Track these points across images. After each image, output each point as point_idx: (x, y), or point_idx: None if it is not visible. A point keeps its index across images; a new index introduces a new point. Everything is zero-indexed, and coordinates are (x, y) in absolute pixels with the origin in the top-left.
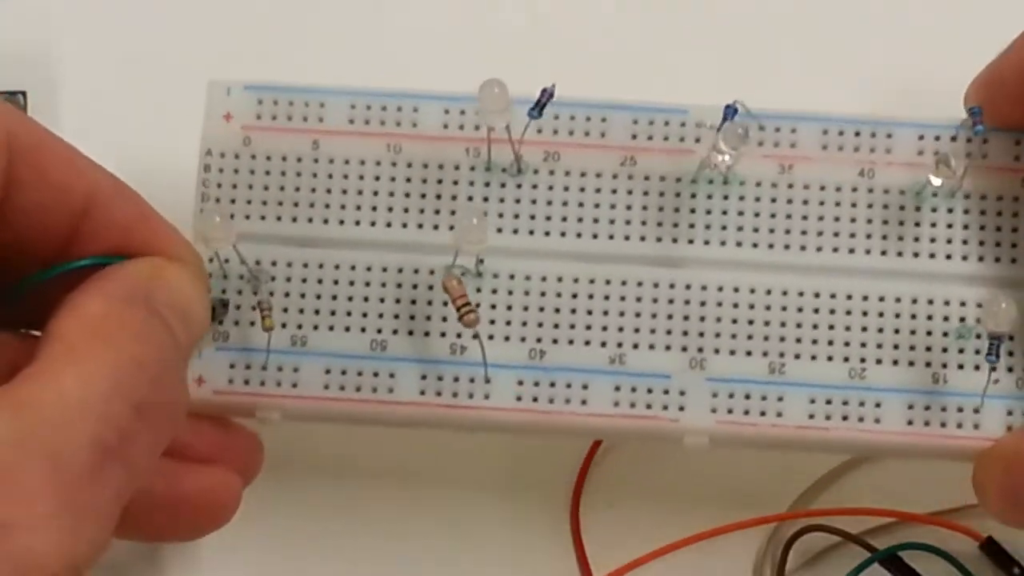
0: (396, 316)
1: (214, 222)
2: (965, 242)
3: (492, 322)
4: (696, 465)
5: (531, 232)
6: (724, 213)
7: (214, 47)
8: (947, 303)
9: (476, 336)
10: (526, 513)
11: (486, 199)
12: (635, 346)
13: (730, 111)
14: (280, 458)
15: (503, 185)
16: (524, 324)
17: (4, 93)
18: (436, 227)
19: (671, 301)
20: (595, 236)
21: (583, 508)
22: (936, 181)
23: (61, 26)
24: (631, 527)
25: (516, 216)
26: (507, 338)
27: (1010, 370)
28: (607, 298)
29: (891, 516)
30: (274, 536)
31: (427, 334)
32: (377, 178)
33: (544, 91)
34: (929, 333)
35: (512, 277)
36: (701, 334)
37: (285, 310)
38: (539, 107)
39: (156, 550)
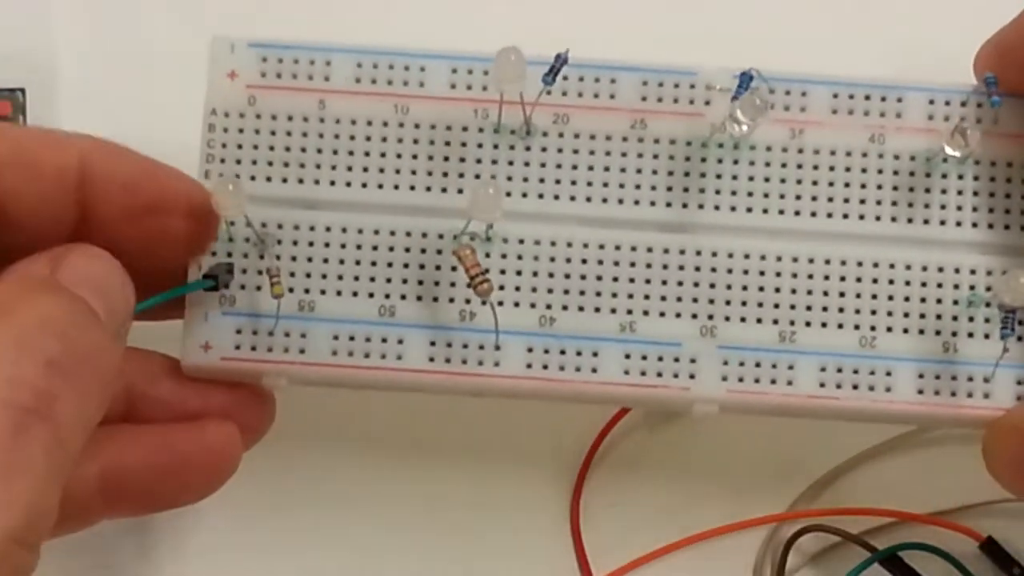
0: (405, 281)
1: (227, 190)
2: (975, 209)
3: (501, 288)
4: (696, 465)
5: (540, 196)
6: (735, 178)
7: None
8: (957, 271)
9: (488, 303)
10: (526, 513)
11: (495, 162)
12: (645, 313)
13: (745, 79)
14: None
15: (512, 147)
16: (534, 290)
17: (3, 91)
18: (444, 190)
19: (681, 267)
20: (605, 200)
21: (583, 508)
22: (951, 151)
23: (59, 22)
24: (631, 527)
25: (525, 179)
26: (516, 304)
27: (1020, 339)
28: (617, 264)
29: (891, 516)
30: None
31: (436, 300)
32: (384, 139)
33: (558, 56)
34: (939, 301)
35: (521, 242)
36: (711, 301)
37: (292, 274)
38: (553, 73)
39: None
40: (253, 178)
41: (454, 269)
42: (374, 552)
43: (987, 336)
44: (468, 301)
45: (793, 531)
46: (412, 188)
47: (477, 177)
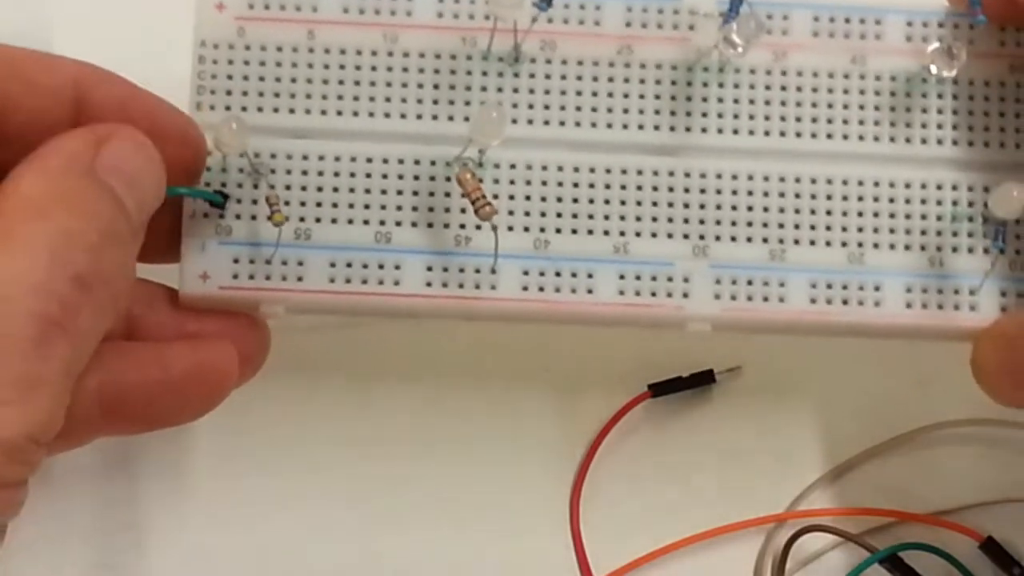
0: (399, 208)
1: (231, 129)
2: (956, 127)
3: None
4: (696, 465)
5: (530, 121)
6: (721, 101)
7: None
8: (940, 187)
9: (491, 225)
10: (526, 513)
11: (484, 88)
12: (638, 234)
13: (736, 2)
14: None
15: (500, 75)
16: (527, 214)
17: None
18: (435, 117)
19: (671, 189)
20: (594, 125)
21: (583, 508)
22: (937, 69)
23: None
24: (631, 527)
25: (515, 106)
26: (511, 228)
27: (1002, 252)
28: (608, 187)
29: (891, 516)
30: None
31: (431, 225)
32: (374, 68)
33: None
34: (924, 217)
35: (513, 167)
36: (702, 221)
37: (287, 203)
38: (547, 0)
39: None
40: (244, 109)
41: (447, 195)
42: (374, 552)
43: (971, 250)
44: (463, 226)
45: (793, 531)
46: (403, 116)
47: (467, 104)
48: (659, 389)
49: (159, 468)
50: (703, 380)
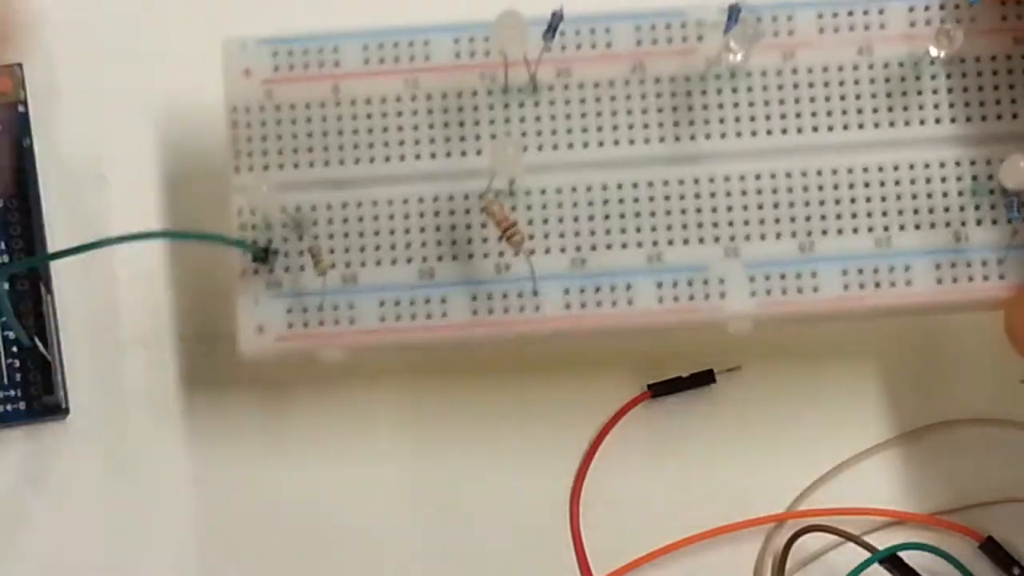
0: (439, 243)
1: (261, 192)
2: (967, 104)
3: (531, 237)
4: (696, 465)
5: (554, 147)
6: (735, 106)
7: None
8: (958, 164)
9: (523, 254)
10: (526, 512)
11: (507, 120)
12: (670, 243)
13: (734, 11)
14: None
15: (521, 105)
16: (562, 236)
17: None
18: (464, 153)
19: (698, 196)
20: (616, 143)
21: (583, 508)
22: (935, 52)
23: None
24: (631, 527)
25: (538, 133)
26: (547, 251)
27: (1017, 221)
28: (636, 200)
29: (891, 516)
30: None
31: (471, 256)
32: (400, 113)
33: (554, 14)
34: (945, 195)
35: (543, 192)
36: (731, 223)
37: (332, 251)
38: (552, 30)
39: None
40: (281, 167)
41: (483, 226)
42: (373, 552)
43: (995, 222)
44: (501, 254)
45: (793, 531)
46: (433, 156)
47: (493, 137)
48: (659, 389)
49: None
50: (703, 380)
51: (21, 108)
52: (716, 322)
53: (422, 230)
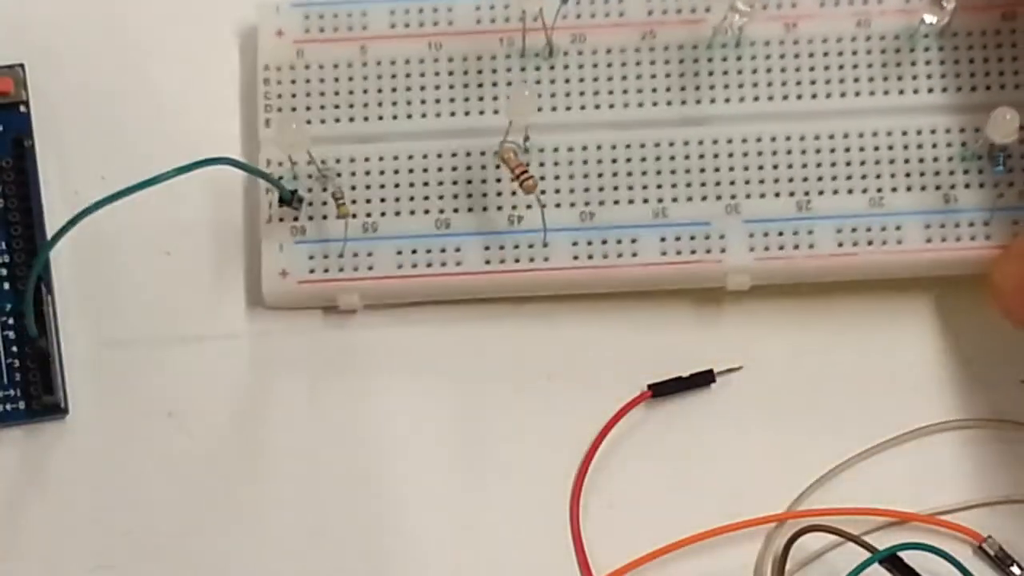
0: (455, 196)
1: (291, 129)
2: (958, 75)
3: (543, 192)
4: (696, 465)
5: (568, 108)
6: (739, 73)
7: None
8: (948, 131)
9: (536, 198)
10: (526, 513)
11: (524, 82)
12: (674, 200)
13: None
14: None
15: (537, 68)
16: (572, 191)
17: (2, 67)
18: (482, 112)
19: (701, 156)
20: (626, 105)
21: (583, 508)
22: (930, 19)
23: None
24: (631, 527)
25: (553, 95)
26: (558, 205)
27: (1011, 184)
28: (643, 160)
29: (890, 516)
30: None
31: (485, 209)
32: (423, 75)
33: None
34: (935, 160)
35: (556, 150)
36: (732, 182)
37: (354, 201)
38: None
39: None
40: (309, 122)
41: (498, 180)
42: (373, 551)
43: (982, 185)
44: (514, 207)
45: (793, 531)
46: (452, 114)
47: (508, 98)
48: (659, 389)
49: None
50: (703, 380)
51: (23, 108)
52: (716, 275)
53: (440, 183)
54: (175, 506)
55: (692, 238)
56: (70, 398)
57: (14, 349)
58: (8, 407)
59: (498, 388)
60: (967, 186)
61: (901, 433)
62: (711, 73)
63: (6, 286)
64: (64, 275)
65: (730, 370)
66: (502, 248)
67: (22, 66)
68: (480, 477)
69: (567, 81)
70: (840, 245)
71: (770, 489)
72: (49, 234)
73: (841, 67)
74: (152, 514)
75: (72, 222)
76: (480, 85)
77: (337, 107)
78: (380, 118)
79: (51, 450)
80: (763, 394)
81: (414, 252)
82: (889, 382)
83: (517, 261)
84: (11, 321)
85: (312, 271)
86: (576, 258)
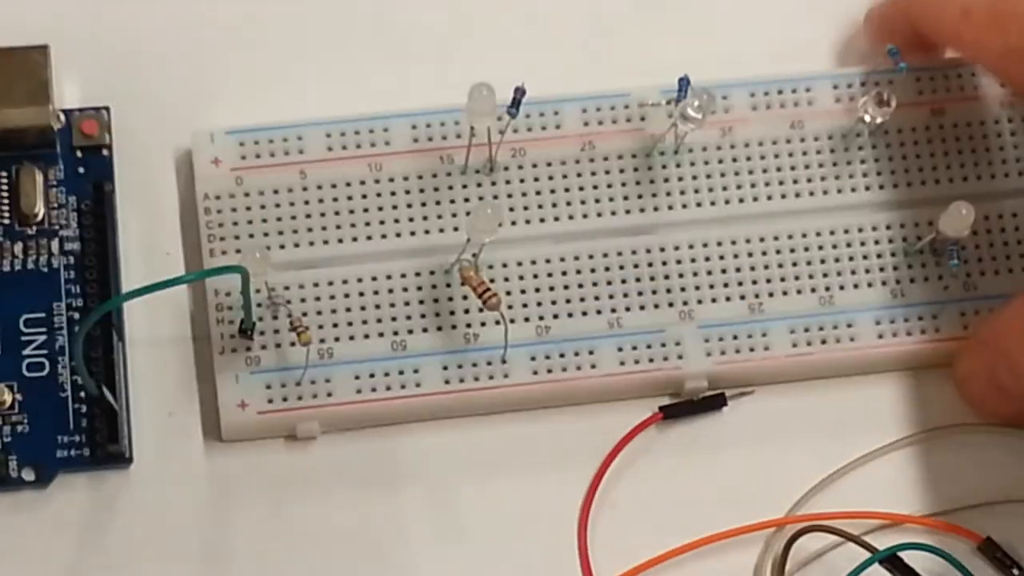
0: (408, 317)
1: (254, 258)
2: (893, 172)
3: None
4: (697, 470)
5: (513, 223)
6: (680, 179)
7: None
8: (888, 227)
9: (500, 316)
10: (534, 531)
11: (467, 200)
12: (627, 309)
13: (684, 83)
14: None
15: (479, 185)
16: (525, 306)
17: (88, 109)
18: (427, 232)
19: (651, 264)
20: (571, 217)
21: (591, 529)
22: (872, 118)
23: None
24: (639, 548)
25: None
26: (512, 320)
27: (954, 276)
28: (594, 271)
29: (890, 519)
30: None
31: (440, 329)
32: (365, 196)
33: (517, 89)
34: (879, 256)
35: (505, 265)
36: (683, 289)
37: (306, 328)
38: (516, 105)
39: None
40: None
41: (450, 299)
42: (372, 551)
43: (926, 279)
44: (468, 325)
45: (793, 531)
46: (398, 235)
47: (454, 216)
48: (671, 411)
49: None
50: (715, 403)
51: (105, 152)
52: (675, 382)
53: (392, 305)
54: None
55: (648, 347)
56: (134, 447)
57: (82, 395)
58: (72, 453)
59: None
60: (912, 280)
61: (901, 437)
62: (652, 181)
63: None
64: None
65: (742, 393)
66: (460, 367)
67: (107, 109)
68: (492, 496)
69: (510, 196)
70: (794, 346)
71: (770, 493)
72: (123, 281)
73: (779, 169)
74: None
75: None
76: (424, 204)
77: (281, 233)
78: (325, 242)
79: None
80: (774, 418)
81: (372, 376)
82: (889, 385)
83: (476, 380)
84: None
85: (270, 401)
86: (536, 373)
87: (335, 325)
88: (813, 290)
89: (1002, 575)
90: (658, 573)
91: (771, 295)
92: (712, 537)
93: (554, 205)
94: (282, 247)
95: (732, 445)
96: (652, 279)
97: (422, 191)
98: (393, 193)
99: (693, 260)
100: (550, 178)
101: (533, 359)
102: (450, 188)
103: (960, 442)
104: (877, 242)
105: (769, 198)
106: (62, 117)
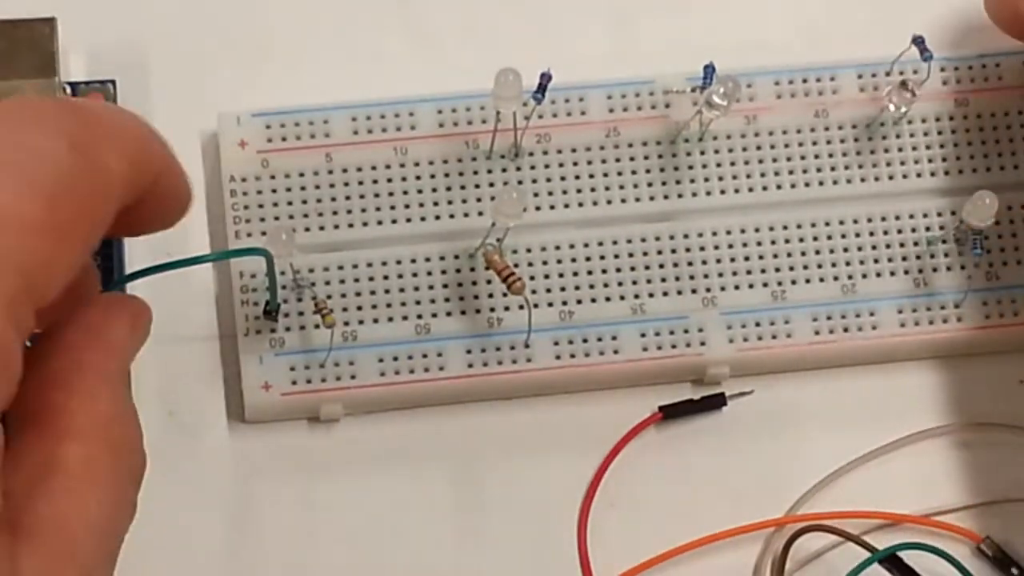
0: (433, 301)
1: (281, 240)
2: (917, 161)
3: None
4: (697, 470)
5: (537, 208)
6: (704, 167)
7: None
8: (912, 216)
9: (524, 300)
10: (532, 530)
11: (492, 184)
12: (651, 295)
13: (709, 70)
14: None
15: (504, 170)
16: (548, 291)
17: (94, 82)
18: (452, 216)
19: (674, 251)
20: (595, 203)
21: (590, 528)
22: (896, 106)
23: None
24: (638, 547)
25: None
26: (536, 305)
27: (976, 266)
28: (617, 256)
29: (890, 519)
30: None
31: (464, 312)
32: (390, 180)
33: (543, 75)
34: (902, 245)
35: (529, 251)
36: (706, 275)
37: (331, 311)
38: (542, 90)
39: None
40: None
41: (474, 284)
42: (371, 551)
43: (949, 268)
44: (492, 309)
45: (793, 531)
46: (423, 219)
47: (478, 200)
48: (670, 411)
49: None
50: (714, 403)
51: None
52: (697, 368)
53: (416, 288)
54: None
55: (671, 332)
56: None
57: None
58: None
59: (512, 408)
60: (935, 270)
61: (901, 437)
62: (677, 168)
63: None
64: None
65: (742, 393)
66: (484, 351)
67: (113, 82)
68: (492, 494)
69: (535, 181)
70: (816, 333)
71: (771, 493)
72: (127, 268)
73: (803, 157)
74: None
75: None
76: (449, 188)
77: (306, 216)
78: (351, 225)
79: None
80: (774, 417)
81: (395, 359)
82: (889, 386)
83: (500, 363)
84: None
85: (294, 382)
86: (558, 358)
87: (359, 308)
88: (836, 278)
89: (1002, 575)
90: (658, 572)
91: (794, 283)
92: (712, 537)
93: (578, 191)
94: (307, 230)
95: (732, 444)
96: (675, 265)
97: (447, 175)
98: (418, 177)
99: (716, 247)
100: (575, 164)
101: (556, 344)
102: (475, 173)
103: (960, 442)
104: (900, 231)
105: (793, 186)
106: (68, 90)
